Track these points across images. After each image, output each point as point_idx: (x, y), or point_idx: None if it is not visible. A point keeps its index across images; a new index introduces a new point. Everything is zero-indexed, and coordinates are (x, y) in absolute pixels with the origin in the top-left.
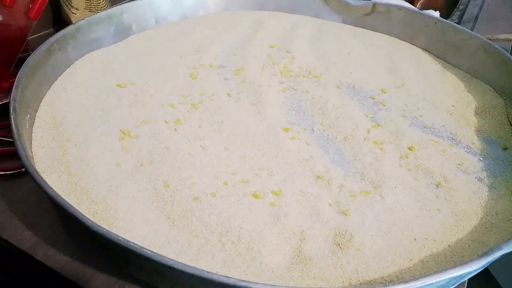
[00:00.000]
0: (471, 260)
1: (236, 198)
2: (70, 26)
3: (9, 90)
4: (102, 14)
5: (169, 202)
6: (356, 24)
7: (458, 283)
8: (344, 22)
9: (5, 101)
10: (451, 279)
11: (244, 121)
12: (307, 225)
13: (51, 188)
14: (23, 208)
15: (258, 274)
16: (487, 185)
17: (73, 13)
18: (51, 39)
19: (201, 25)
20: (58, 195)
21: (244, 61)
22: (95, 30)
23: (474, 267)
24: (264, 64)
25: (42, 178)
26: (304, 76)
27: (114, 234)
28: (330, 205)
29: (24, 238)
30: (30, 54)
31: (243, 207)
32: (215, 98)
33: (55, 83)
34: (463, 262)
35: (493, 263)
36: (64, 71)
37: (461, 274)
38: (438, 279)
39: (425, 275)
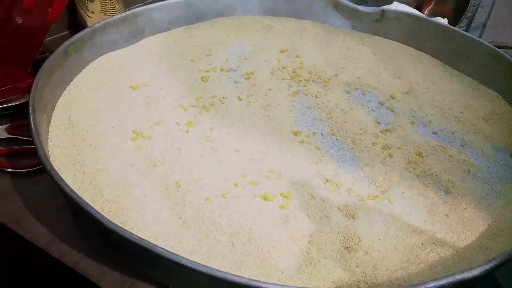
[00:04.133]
0: (478, 265)
1: (246, 199)
2: (87, 29)
3: (26, 91)
4: (117, 17)
5: (181, 202)
6: (365, 30)
7: None
8: (353, 28)
9: (22, 101)
10: (458, 284)
11: (254, 124)
12: (316, 228)
13: (69, 186)
14: (38, 206)
15: (267, 275)
16: (495, 191)
17: (89, 16)
18: (68, 42)
19: (213, 29)
20: (75, 193)
21: (255, 65)
22: (109, 33)
23: (479, 271)
24: (274, 68)
25: (59, 176)
26: (313, 81)
27: (129, 232)
28: (338, 208)
29: (39, 234)
30: (46, 55)
31: (253, 209)
32: (226, 101)
33: (71, 84)
34: (471, 267)
35: (503, 273)
36: (79, 73)
37: (468, 279)
38: (446, 282)
39: (434, 279)
